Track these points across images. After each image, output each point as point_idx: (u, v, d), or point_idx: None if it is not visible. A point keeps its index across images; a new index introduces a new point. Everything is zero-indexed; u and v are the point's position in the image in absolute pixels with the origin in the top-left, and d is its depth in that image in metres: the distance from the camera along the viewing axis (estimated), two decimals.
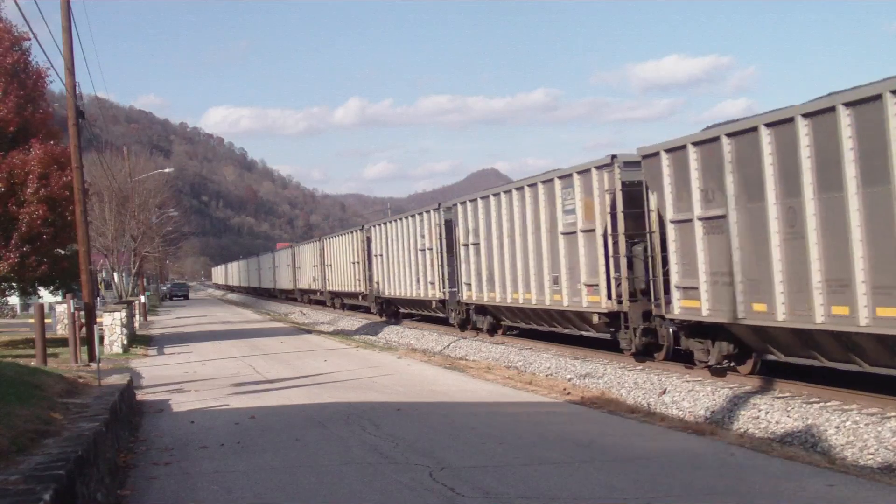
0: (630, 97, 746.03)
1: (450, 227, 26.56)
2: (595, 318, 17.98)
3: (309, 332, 33.76)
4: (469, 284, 24.87)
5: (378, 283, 34.50)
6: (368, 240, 36.69)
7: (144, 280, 61.00)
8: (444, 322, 28.71)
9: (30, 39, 26.23)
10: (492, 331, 24.76)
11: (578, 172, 18.36)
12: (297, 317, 48.41)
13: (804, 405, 12.11)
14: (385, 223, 34.23)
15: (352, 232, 41.02)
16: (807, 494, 7.48)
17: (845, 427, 10.97)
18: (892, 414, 11.00)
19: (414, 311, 32.68)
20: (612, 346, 18.58)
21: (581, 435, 10.63)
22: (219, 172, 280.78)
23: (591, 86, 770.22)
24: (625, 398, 14.86)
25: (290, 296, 62.36)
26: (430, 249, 28.22)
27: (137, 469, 8.99)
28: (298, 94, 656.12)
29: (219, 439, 10.45)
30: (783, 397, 12.83)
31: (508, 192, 21.97)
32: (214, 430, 11.21)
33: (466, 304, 25.52)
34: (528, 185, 20.67)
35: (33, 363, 17.28)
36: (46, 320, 21.55)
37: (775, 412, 12.18)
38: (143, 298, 48.47)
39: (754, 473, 8.24)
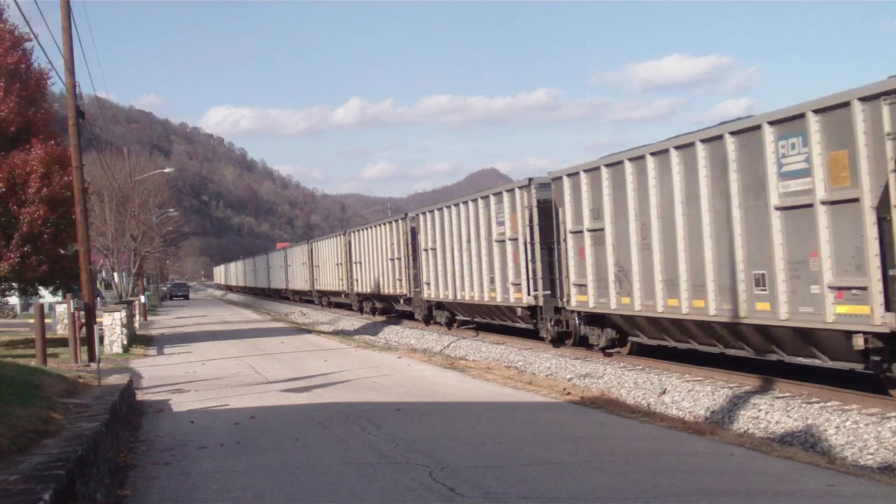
0: (631, 97, 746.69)
1: (415, 234, 30.62)
2: (519, 311, 21.87)
3: (309, 331, 33.77)
4: (429, 284, 28.92)
5: (357, 280, 40.45)
6: (349, 244, 41.61)
7: (144, 280, 61.00)
8: (410, 316, 32.87)
9: (31, 40, 26.25)
10: (449, 324, 28.75)
11: (507, 191, 22.40)
12: (297, 317, 48.43)
13: (804, 405, 12.12)
14: (361, 230, 39.83)
15: (336, 236, 45.92)
16: (807, 494, 7.48)
17: (845, 427, 10.98)
18: (892, 414, 11.00)
19: (386, 306, 37.23)
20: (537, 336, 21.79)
21: (581, 435, 10.63)
22: (219, 172, 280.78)
23: (591, 86, 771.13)
24: (625, 398, 14.86)
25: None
26: (399, 259, 32.63)
27: (137, 469, 8.99)
28: (299, 94, 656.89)
29: (219, 439, 10.45)
30: (783, 397, 12.83)
31: (458, 204, 26.02)
32: (214, 430, 11.21)
33: (428, 301, 29.50)
34: (472, 200, 24.77)
35: (33, 363, 17.28)
36: (46, 320, 21.54)
37: (775, 412, 12.19)
38: (143, 298, 48.46)
39: (754, 473, 8.24)
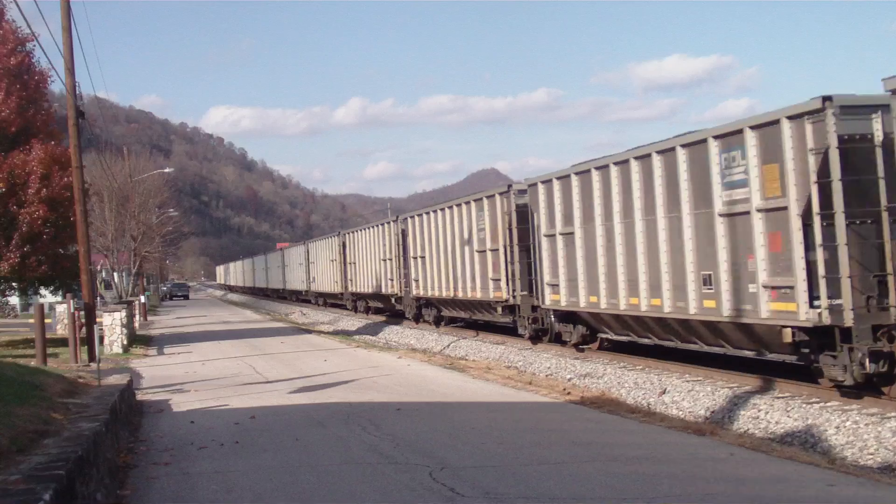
0: (632, 97, 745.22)
1: (405, 236, 31.89)
2: (499, 309, 23.12)
3: (309, 331, 33.78)
4: (417, 282, 30.29)
5: (352, 281, 41.47)
6: (344, 245, 42.69)
7: (144, 280, 61.00)
8: (403, 315, 33.61)
9: (33, 40, 26.23)
10: (437, 321, 30.02)
11: (487, 197, 23.76)
12: (297, 317, 48.45)
13: (804, 405, 12.12)
14: (355, 231, 41.10)
15: (331, 237, 47.10)
16: (807, 494, 7.48)
17: (845, 427, 10.98)
18: (892, 414, 11.01)
19: (381, 305, 38.04)
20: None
21: (581, 435, 10.64)
22: (219, 172, 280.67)
23: (592, 85, 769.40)
24: (625, 398, 14.87)
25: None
26: (391, 259, 33.78)
27: (137, 469, 8.99)
28: (299, 93, 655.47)
29: (219, 439, 10.45)
30: (783, 397, 12.83)
31: (443, 209, 27.39)
32: (214, 430, 11.21)
33: (417, 299, 30.81)
34: (456, 205, 26.29)
35: (33, 363, 17.29)
36: (46, 320, 21.54)
37: (775, 412, 12.19)
38: (143, 298, 48.48)
39: (754, 474, 8.24)
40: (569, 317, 19.81)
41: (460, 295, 25.97)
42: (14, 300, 50.31)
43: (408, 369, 18.74)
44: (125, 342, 26.15)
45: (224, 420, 12.05)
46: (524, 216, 21.57)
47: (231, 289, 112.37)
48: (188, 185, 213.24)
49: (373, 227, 37.44)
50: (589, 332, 19.42)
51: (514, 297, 21.94)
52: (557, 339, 20.70)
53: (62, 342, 24.44)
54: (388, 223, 34.54)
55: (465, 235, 25.31)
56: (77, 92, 21.80)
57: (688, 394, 14.12)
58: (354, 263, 40.40)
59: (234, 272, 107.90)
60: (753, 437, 11.46)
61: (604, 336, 19.13)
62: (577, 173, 18.49)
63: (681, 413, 13.48)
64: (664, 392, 14.61)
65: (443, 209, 27.42)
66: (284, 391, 15.28)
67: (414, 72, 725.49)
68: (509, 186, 22.61)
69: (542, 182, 20.04)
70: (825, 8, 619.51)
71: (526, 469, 8.49)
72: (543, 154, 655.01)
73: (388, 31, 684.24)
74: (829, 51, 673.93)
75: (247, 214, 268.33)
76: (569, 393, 15.22)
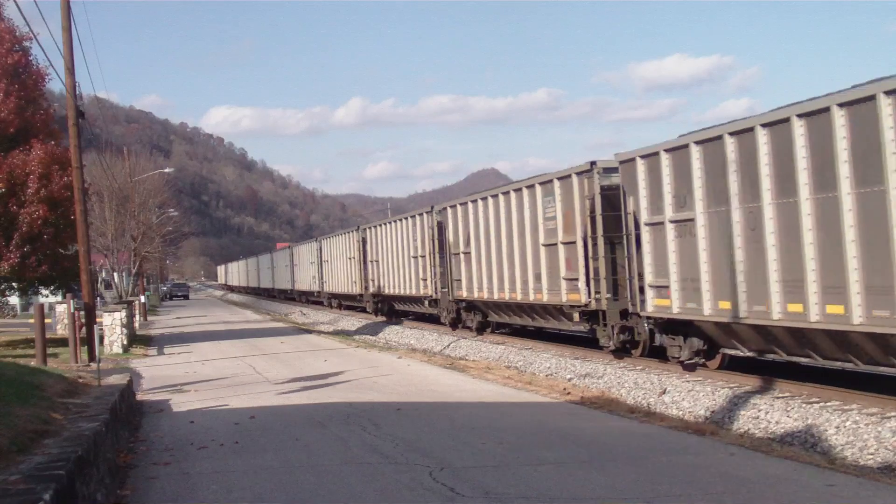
0: (632, 97, 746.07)
1: (442, 230, 27.84)
2: (575, 315, 18.80)
3: (309, 332, 33.79)
4: (459, 281, 26.08)
5: (373, 281, 37.17)
6: (364, 241, 38.92)
7: (144, 280, 60.99)
8: (435, 320, 30.06)
9: (31, 39, 26.24)
10: (481, 329, 25.75)
11: (559, 179, 19.34)
12: (297, 317, 48.43)
13: (804, 405, 12.12)
14: (378, 226, 36.90)
15: (349, 233, 42.95)
16: (807, 494, 7.48)
17: (845, 427, 10.98)
18: (892, 414, 11.00)
19: (408, 308, 34.44)
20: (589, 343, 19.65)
21: (581, 435, 10.63)
22: (219, 172, 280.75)
23: (593, 85, 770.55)
24: (625, 398, 14.86)
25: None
26: (423, 256, 29.78)
27: (137, 469, 8.99)
28: (300, 93, 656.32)
29: (219, 439, 10.45)
30: (783, 397, 12.83)
31: (496, 196, 23.10)
32: (214, 430, 11.21)
33: (458, 302, 26.53)
34: (514, 191, 22.04)
35: (33, 363, 17.28)
36: (46, 320, 21.53)
37: (775, 412, 12.19)
38: (143, 298, 48.48)
39: (754, 473, 8.24)
40: (679, 327, 15.54)
41: (518, 297, 21.71)
42: (14, 300, 50.29)
43: (408, 369, 18.74)
44: (125, 342, 26.15)
45: (224, 420, 12.05)
46: (610, 201, 17.46)
47: (231, 289, 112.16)
48: (188, 185, 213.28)
49: (401, 219, 32.99)
50: (707, 346, 15.23)
51: (596, 300, 17.74)
52: (653, 354, 17.01)
53: (62, 342, 24.44)
54: (422, 215, 30.10)
55: (527, 227, 21.01)
56: (77, 92, 21.81)
57: (688, 394, 14.12)
58: (377, 261, 36.23)
59: (235, 272, 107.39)
60: (753, 437, 11.45)
61: (729, 352, 15.24)
62: (697, 142, 14.43)
63: (681, 413, 13.48)
64: (664, 392, 14.61)
65: (495, 196, 23.16)
66: (284, 391, 15.28)
67: (414, 72, 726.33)
68: (592, 164, 17.94)
69: (643, 157, 15.92)
70: (825, 8, 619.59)
71: (526, 469, 8.49)
72: (543, 154, 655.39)
73: (389, 31, 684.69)
74: (830, 51, 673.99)
75: (247, 214, 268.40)
76: (569, 393, 15.22)
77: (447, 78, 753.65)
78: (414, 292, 30.93)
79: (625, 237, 16.78)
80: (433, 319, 30.67)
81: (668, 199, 15.25)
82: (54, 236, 25.41)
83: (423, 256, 29.75)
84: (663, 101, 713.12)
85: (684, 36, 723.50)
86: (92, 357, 18.27)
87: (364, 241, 38.96)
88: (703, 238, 14.35)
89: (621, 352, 17.73)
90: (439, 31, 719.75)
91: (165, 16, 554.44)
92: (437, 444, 9.87)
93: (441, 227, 27.96)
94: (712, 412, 13.10)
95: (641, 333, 16.88)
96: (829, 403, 12.09)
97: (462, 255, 25.61)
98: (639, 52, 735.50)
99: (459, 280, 25.99)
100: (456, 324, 27.41)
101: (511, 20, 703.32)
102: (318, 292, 50.26)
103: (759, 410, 12.45)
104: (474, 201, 24.76)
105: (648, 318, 16.30)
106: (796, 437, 11.28)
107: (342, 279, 43.51)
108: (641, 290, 16.18)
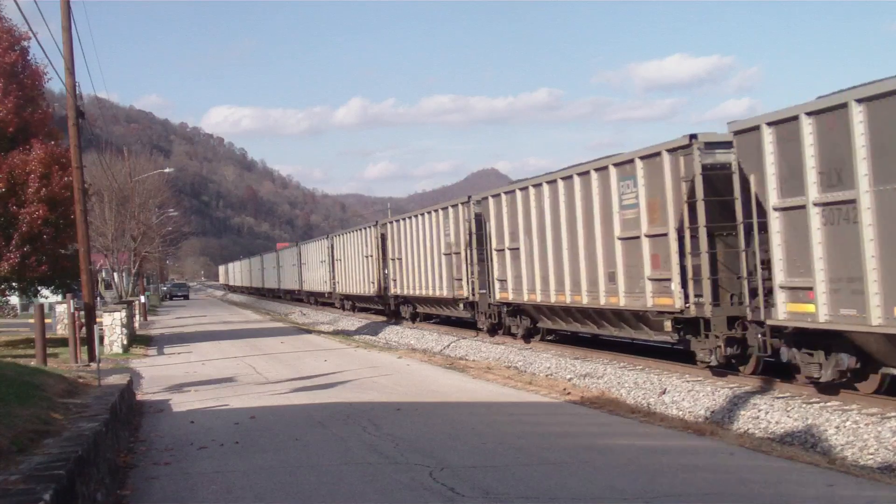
0: (632, 97, 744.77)
1: (480, 223, 24.79)
2: (667, 324, 15.53)
3: (309, 332, 33.78)
4: (504, 282, 22.74)
5: (395, 281, 33.78)
6: (383, 237, 35.75)
7: (144, 280, 61.01)
8: (470, 325, 27.10)
9: (29, 39, 26.23)
10: (528, 336, 22.63)
11: (643, 157, 16.07)
12: (297, 317, 48.44)
13: (804, 405, 12.12)
14: (401, 220, 33.20)
15: (365, 229, 39.37)
16: (807, 494, 7.49)
17: (845, 427, 10.98)
18: (892, 414, 11.00)
19: (439, 312, 30.89)
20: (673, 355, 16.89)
21: (581, 435, 10.64)
22: (219, 172, 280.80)
23: (593, 85, 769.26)
24: (625, 398, 14.86)
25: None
26: (458, 254, 26.62)
27: (137, 469, 9.00)
28: (300, 94, 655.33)
29: (219, 439, 10.45)
30: (783, 397, 12.83)
31: (552, 182, 19.64)
32: (214, 430, 11.22)
33: (499, 305, 23.51)
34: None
35: (33, 363, 17.28)
36: (46, 320, 21.54)
37: (775, 412, 12.19)
38: (143, 298, 48.47)
39: (754, 473, 8.24)
40: (820, 340, 12.42)
41: (584, 301, 18.37)
42: (14, 300, 50.30)
43: (408, 369, 18.74)
44: (125, 342, 26.15)
45: (224, 420, 12.05)
46: (712, 183, 14.58)
47: (232, 289, 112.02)
48: (188, 185, 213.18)
49: (430, 212, 29.26)
50: (860, 363, 12.11)
51: (696, 305, 14.79)
52: (767, 371, 14.55)
53: (62, 342, 24.45)
54: (457, 206, 26.56)
55: (598, 216, 17.70)
56: (77, 92, 21.81)
57: (688, 394, 14.12)
58: (399, 259, 32.72)
59: (237, 272, 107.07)
60: (753, 437, 11.46)
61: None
62: (862, 99, 11.12)
63: (681, 413, 13.48)
64: (664, 392, 14.61)
65: (552, 182, 19.65)
66: (284, 391, 15.28)
67: (415, 72, 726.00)
68: (692, 137, 14.75)
69: (772, 124, 12.65)
70: (825, 8, 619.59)
71: (526, 469, 8.50)
72: (544, 154, 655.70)
73: (389, 31, 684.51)
74: (830, 51, 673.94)
75: (247, 214, 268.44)
76: (569, 393, 15.22)
77: (447, 78, 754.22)
78: (445, 294, 27.59)
79: (740, 226, 13.59)
80: (463, 324, 27.74)
81: (811, 175, 11.85)
82: (54, 236, 25.41)
83: (458, 254, 26.33)
84: (664, 101, 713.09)
85: (684, 36, 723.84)
86: (92, 357, 18.27)
87: (384, 237, 35.30)
88: (870, 225, 10.98)
89: (725, 368, 14.76)
90: (439, 31, 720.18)
91: (165, 16, 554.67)
92: (437, 444, 9.87)
93: (479, 220, 24.59)
94: (712, 412, 13.10)
95: (755, 346, 13.82)
96: (829, 403, 12.09)
97: (508, 252, 22.25)
98: (639, 52, 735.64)
99: (504, 280, 22.57)
100: (495, 330, 24.31)
101: (511, 20, 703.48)
102: (330, 293, 46.96)
103: (759, 410, 12.45)
104: (524, 189, 21.11)
105: (775, 327, 12.94)
106: (796, 437, 11.28)
107: (357, 279, 40.18)
108: (768, 292, 13.00)
